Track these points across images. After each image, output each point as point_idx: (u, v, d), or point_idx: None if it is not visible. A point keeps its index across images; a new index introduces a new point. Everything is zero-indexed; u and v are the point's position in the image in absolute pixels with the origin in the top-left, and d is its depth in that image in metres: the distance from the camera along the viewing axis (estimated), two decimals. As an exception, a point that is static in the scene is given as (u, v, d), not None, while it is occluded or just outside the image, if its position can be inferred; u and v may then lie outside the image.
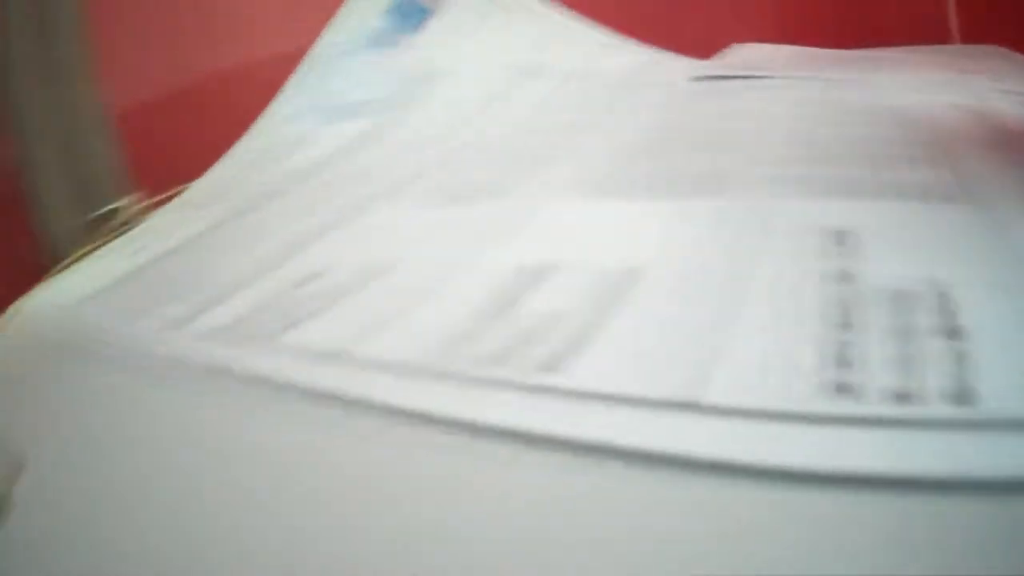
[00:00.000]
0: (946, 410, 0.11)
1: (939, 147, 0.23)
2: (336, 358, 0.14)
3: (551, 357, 0.13)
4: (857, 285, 0.14)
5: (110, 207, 0.36)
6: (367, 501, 0.11)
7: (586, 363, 0.13)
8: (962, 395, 0.11)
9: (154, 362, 0.16)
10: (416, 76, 0.38)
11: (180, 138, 0.40)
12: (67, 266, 0.31)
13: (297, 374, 0.14)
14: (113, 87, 0.41)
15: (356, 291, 0.17)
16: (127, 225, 0.35)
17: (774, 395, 0.11)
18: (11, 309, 0.23)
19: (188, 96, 0.42)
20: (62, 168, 0.38)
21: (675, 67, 0.40)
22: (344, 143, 0.34)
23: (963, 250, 0.15)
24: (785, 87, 0.34)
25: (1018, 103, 0.30)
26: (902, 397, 0.11)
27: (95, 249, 0.33)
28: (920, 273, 0.14)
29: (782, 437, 0.11)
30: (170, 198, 0.34)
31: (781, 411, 0.11)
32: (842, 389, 0.11)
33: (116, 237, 0.33)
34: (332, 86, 0.37)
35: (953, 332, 0.12)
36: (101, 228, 0.36)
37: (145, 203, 0.36)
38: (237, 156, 0.34)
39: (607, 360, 0.13)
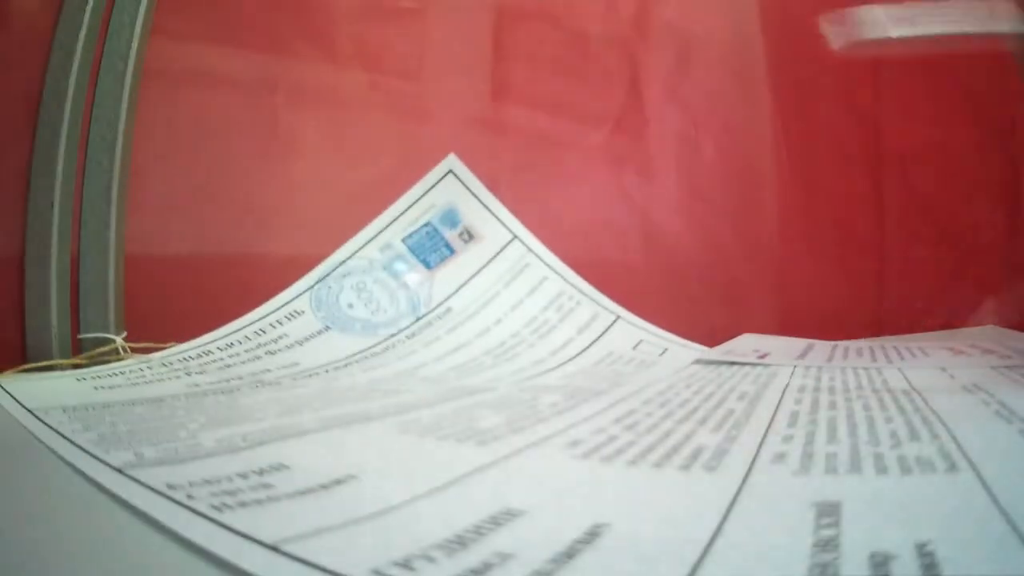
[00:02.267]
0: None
1: (939, 421, 0.23)
2: (270, 549, 0.14)
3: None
4: (840, 552, 0.13)
5: (100, 335, 0.37)
6: None
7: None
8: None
9: (99, 486, 0.17)
10: (430, 312, 0.40)
11: (177, 299, 0.41)
12: (40, 368, 0.33)
13: (228, 552, 0.13)
14: (138, 235, 0.43)
15: (312, 493, 0.17)
16: (107, 357, 0.36)
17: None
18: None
19: (200, 265, 0.43)
20: (67, 281, 0.38)
21: (681, 349, 0.41)
22: (348, 356, 0.35)
23: (953, 517, 0.15)
24: (787, 372, 0.35)
25: (1014, 377, 0.31)
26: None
27: (71, 366, 0.34)
28: (905, 539, 0.14)
29: None
30: (151, 350, 0.35)
31: None
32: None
33: (93, 364, 0.34)
34: (344, 296, 0.39)
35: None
36: (85, 350, 0.37)
37: (128, 344, 0.37)
38: (233, 335, 0.36)
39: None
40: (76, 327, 0.37)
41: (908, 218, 0.54)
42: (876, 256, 0.54)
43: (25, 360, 0.34)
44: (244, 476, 0.18)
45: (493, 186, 0.47)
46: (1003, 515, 0.15)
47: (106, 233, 0.38)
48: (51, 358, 0.34)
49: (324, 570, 0.13)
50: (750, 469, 0.19)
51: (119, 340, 0.36)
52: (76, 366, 0.33)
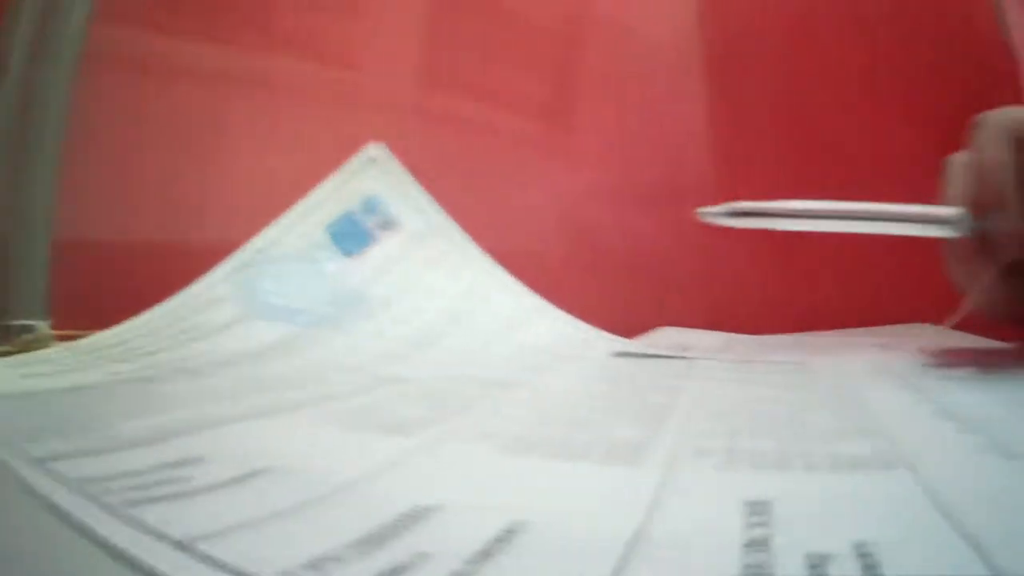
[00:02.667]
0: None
1: (871, 417, 0.23)
2: (181, 547, 0.13)
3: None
4: (773, 552, 0.13)
5: (22, 323, 0.37)
6: None
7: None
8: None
9: (13, 479, 0.16)
10: (349, 300, 0.39)
11: (104, 286, 0.41)
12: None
13: (139, 550, 0.13)
14: (68, 221, 0.42)
15: (226, 487, 0.16)
16: (30, 345, 0.35)
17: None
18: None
19: (130, 252, 0.44)
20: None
21: (600, 341, 0.42)
22: (267, 345, 0.35)
23: (891, 516, 0.15)
24: (709, 366, 0.35)
25: (947, 374, 0.31)
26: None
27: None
28: (842, 538, 0.13)
29: None
30: (76, 337, 0.35)
31: None
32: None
33: (14, 353, 0.33)
34: (264, 284, 0.38)
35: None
36: (13, 337, 0.36)
37: (53, 332, 0.37)
38: (154, 322, 0.35)
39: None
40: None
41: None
42: (806, 250, 0.55)
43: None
44: (160, 468, 0.17)
45: (423, 174, 0.47)
46: (943, 514, 0.15)
47: (35, 218, 0.38)
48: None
49: (232, 570, 0.13)
50: (672, 464, 0.19)
51: (43, 326, 0.35)
52: (5, 353, 0.33)
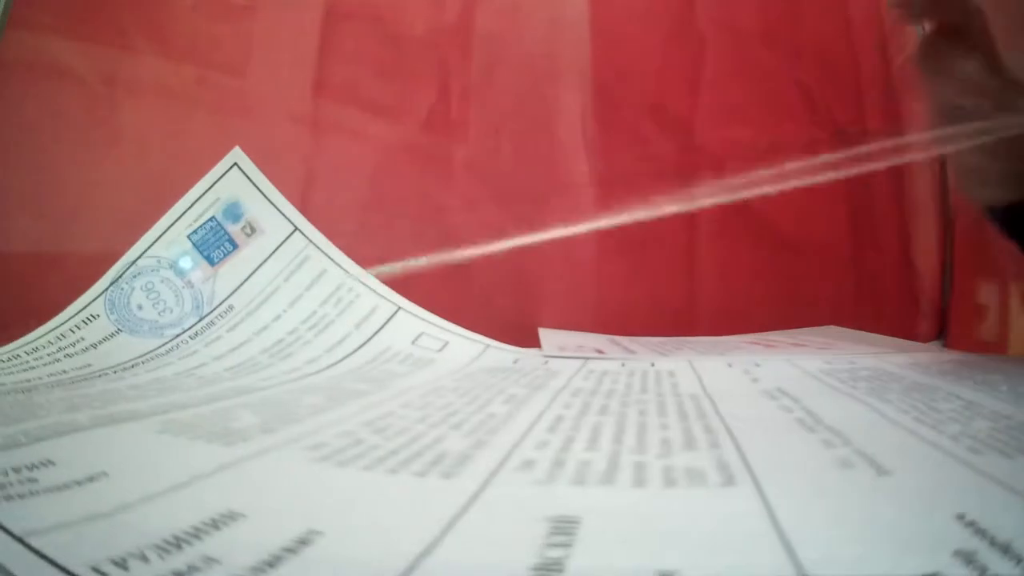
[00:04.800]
0: None
1: (725, 429, 0.22)
2: (18, 541, 0.15)
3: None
4: (565, 574, 0.13)
5: None
6: None
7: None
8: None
9: None
10: (213, 311, 0.40)
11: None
12: None
13: None
14: None
15: (68, 489, 0.18)
16: None
17: None
18: None
19: (16, 263, 0.45)
20: None
21: (465, 344, 0.42)
22: (135, 357, 0.36)
23: (716, 538, 0.14)
24: (570, 372, 0.34)
25: (831, 382, 0.30)
26: None
27: None
28: (646, 564, 0.13)
29: None
30: None
31: None
32: None
33: None
34: (134, 298, 0.40)
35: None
36: None
37: None
38: (38, 339, 0.37)
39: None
40: None
41: (727, 218, 0.57)
42: (687, 255, 0.58)
43: None
44: (17, 470, 0.19)
45: (308, 182, 0.50)
46: (780, 537, 0.14)
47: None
48: None
49: (53, 563, 0.14)
50: (491, 477, 0.18)
51: None
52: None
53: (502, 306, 0.55)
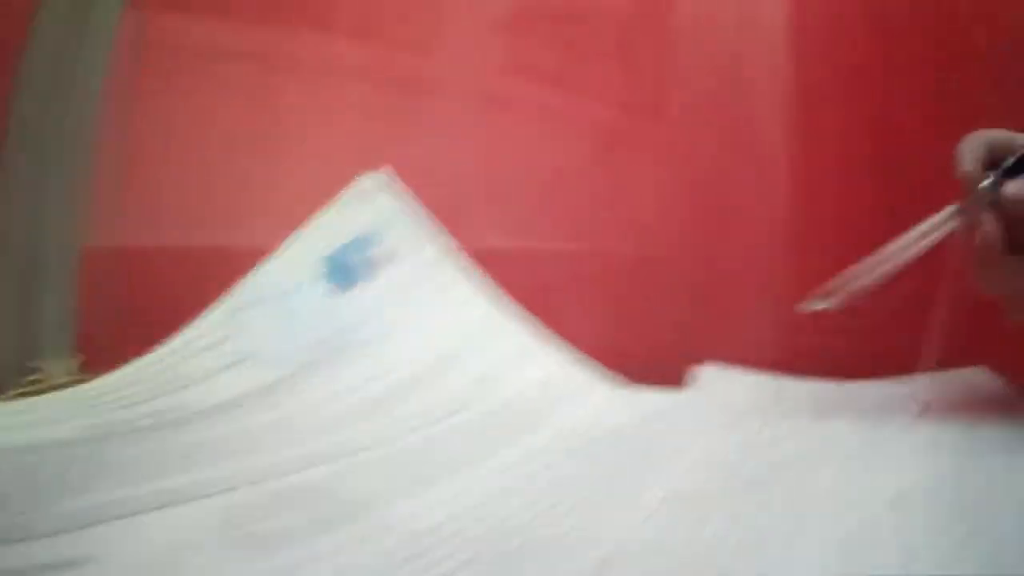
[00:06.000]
0: None
1: None
2: None
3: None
4: None
5: (36, 366, 0.37)
6: None
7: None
8: None
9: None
10: (335, 343, 0.38)
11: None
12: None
13: None
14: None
15: None
16: (38, 387, 0.35)
17: None
18: None
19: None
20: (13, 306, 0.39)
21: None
22: (246, 392, 0.34)
23: None
24: None
25: None
26: None
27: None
28: None
29: None
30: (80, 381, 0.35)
31: None
32: None
33: (18, 396, 0.34)
34: (254, 328, 0.37)
35: None
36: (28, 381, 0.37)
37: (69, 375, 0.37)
38: (144, 368, 0.35)
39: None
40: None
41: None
42: None
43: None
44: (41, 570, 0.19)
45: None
46: None
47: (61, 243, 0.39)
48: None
49: None
50: None
51: (58, 365, 0.36)
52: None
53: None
